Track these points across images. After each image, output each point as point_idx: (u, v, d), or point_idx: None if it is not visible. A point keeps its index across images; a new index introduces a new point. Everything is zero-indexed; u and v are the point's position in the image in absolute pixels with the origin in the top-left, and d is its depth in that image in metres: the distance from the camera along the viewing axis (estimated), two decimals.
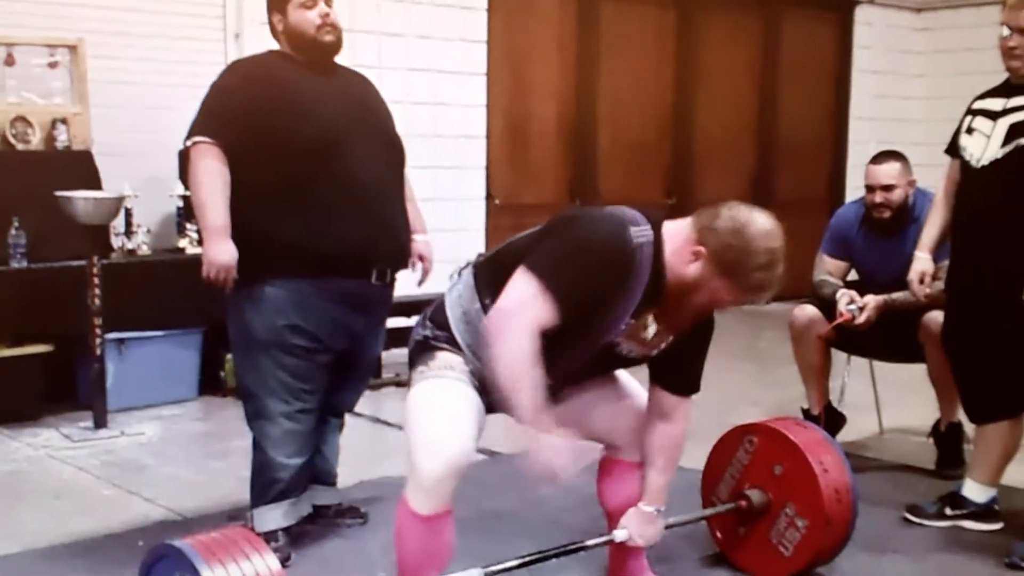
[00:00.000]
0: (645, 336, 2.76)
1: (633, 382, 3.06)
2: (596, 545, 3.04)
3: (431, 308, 2.88)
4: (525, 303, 2.53)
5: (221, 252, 3.35)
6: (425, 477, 2.65)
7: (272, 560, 2.33)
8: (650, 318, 2.73)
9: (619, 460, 3.06)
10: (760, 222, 2.61)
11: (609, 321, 2.66)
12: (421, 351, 2.83)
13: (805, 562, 3.25)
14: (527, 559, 2.91)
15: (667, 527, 3.08)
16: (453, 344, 2.77)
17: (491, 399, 2.70)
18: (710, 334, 2.90)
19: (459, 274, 2.86)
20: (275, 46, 3.59)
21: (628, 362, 2.88)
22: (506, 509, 3.93)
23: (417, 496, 2.68)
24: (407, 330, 6.54)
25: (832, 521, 3.21)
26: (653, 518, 2.98)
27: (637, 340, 2.76)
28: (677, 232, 2.65)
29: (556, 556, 2.98)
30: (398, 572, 2.83)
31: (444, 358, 2.77)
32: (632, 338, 2.75)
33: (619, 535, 2.99)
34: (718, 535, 3.47)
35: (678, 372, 2.88)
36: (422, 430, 2.68)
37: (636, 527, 2.98)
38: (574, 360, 2.74)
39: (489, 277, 2.75)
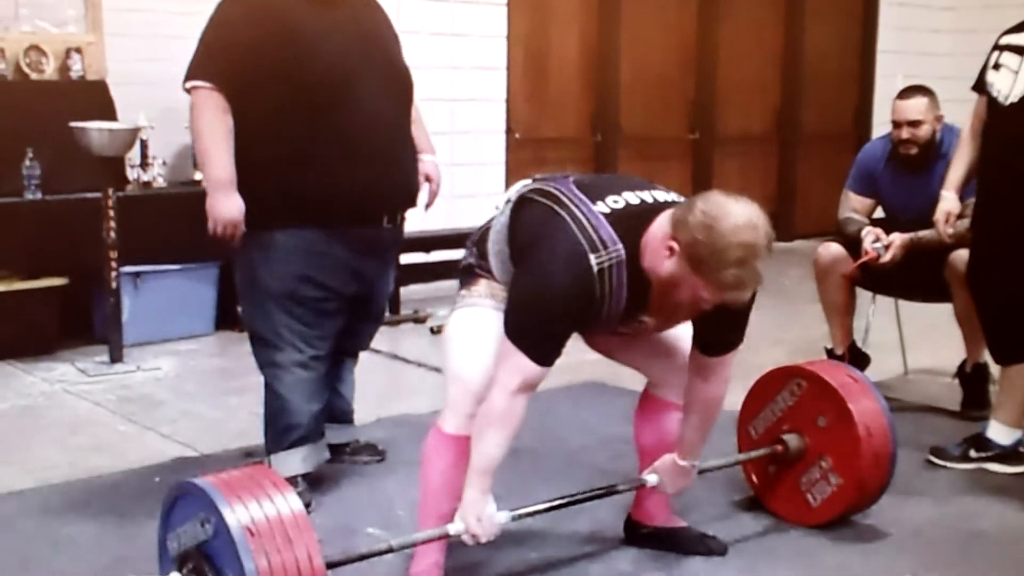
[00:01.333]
0: (649, 324, 2.74)
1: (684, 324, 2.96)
2: (627, 489, 3.02)
3: (478, 233, 2.86)
4: (505, 371, 2.57)
5: (227, 206, 3.27)
6: (453, 398, 2.75)
7: (294, 499, 2.32)
8: (645, 318, 2.70)
9: (658, 398, 3.02)
10: (735, 215, 2.42)
11: (603, 327, 2.71)
12: (466, 274, 2.85)
13: (829, 516, 3.24)
14: (556, 503, 2.90)
15: (704, 470, 3.05)
16: (492, 275, 2.78)
17: None
18: (746, 308, 2.73)
19: (505, 203, 2.78)
20: None
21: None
22: (525, 447, 3.89)
23: (447, 416, 2.77)
24: (422, 266, 6.53)
25: (866, 486, 3.19)
26: (687, 472, 2.94)
27: (645, 326, 2.75)
28: (659, 228, 2.55)
29: (585, 500, 2.96)
30: (421, 497, 2.84)
31: (484, 285, 2.79)
32: (638, 327, 2.75)
33: (651, 479, 2.96)
34: (754, 479, 3.43)
35: (718, 337, 2.77)
36: (454, 355, 2.77)
37: (668, 477, 2.95)
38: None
39: (503, 244, 2.75)
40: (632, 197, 2.62)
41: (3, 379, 4.85)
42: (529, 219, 2.65)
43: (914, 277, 4.33)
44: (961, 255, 4.01)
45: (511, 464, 3.70)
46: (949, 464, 3.78)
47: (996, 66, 3.64)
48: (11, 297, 5.04)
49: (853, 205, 4.54)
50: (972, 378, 4.39)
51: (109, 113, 5.30)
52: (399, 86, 3.49)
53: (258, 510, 2.26)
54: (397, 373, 5.05)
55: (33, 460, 3.86)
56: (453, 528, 2.64)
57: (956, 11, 9.53)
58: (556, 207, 2.59)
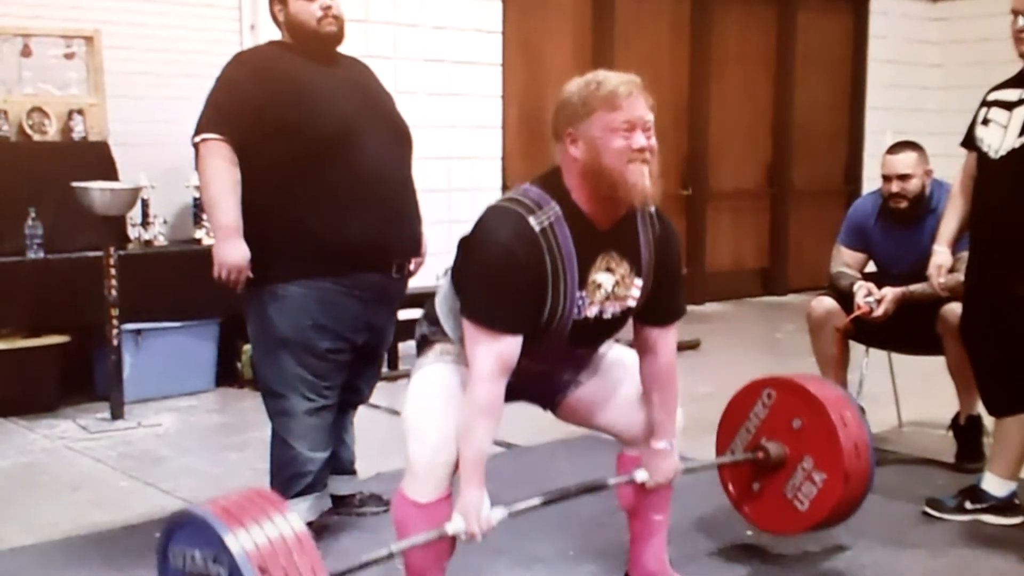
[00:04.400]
0: (606, 292, 2.72)
1: (635, 375, 3.00)
2: (617, 483, 3.00)
3: (426, 306, 2.92)
4: (476, 358, 2.59)
5: (232, 252, 3.34)
6: (416, 464, 2.71)
7: (295, 519, 2.28)
8: (599, 275, 2.69)
9: (630, 456, 3.04)
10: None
11: (564, 303, 2.66)
12: (420, 347, 2.89)
13: (821, 517, 3.21)
14: (550, 497, 2.87)
15: (685, 471, 3.05)
16: (447, 337, 2.80)
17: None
18: (676, 256, 2.87)
19: (444, 272, 2.86)
20: None
21: (615, 324, 2.82)
22: (524, 499, 3.92)
23: (413, 485, 2.73)
24: None
25: (850, 476, 3.17)
26: (666, 453, 2.95)
27: (603, 299, 2.72)
28: (562, 156, 2.67)
29: (578, 494, 2.94)
30: (405, 567, 2.84)
31: (440, 347, 2.81)
32: (598, 301, 2.72)
33: (639, 475, 2.95)
34: (730, 488, 3.43)
35: (656, 306, 2.83)
36: (412, 418, 2.75)
37: (652, 466, 2.95)
38: (558, 344, 2.74)
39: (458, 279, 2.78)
40: None
41: (5, 436, 4.87)
42: (465, 242, 2.70)
43: (907, 330, 4.37)
44: (953, 308, 4.04)
45: (509, 516, 3.74)
46: (945, 516, 3.79)
47: (985, 121, 3.69)
48: (13, 355, 5.08)
49: (845, 259, 4.60)
50: (966, 430, 4.41)
51: (111, 173, 5.36)
52: (400, 139, 3.58)
53: (260, 533, 2.21)
54: (395, 428, 4.99)
55: (35, 516, 3.87)
56: (451, 528, 2.62)
57: (944, 68, 9.65)
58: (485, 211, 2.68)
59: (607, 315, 2.75)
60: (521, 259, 2.56)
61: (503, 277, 2.57)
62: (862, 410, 4.58)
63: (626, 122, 2.57)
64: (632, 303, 2.79)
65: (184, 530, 2.32)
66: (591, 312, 2.71)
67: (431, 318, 2.86)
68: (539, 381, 2.90)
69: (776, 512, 3.32)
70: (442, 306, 2.82)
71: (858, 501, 3.29)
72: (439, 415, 2.70)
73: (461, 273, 2.70)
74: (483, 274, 2.60)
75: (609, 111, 2.57)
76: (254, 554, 2.16)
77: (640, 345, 2.90)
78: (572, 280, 2.63)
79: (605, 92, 2.58)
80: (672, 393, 2.93)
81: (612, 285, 2.72)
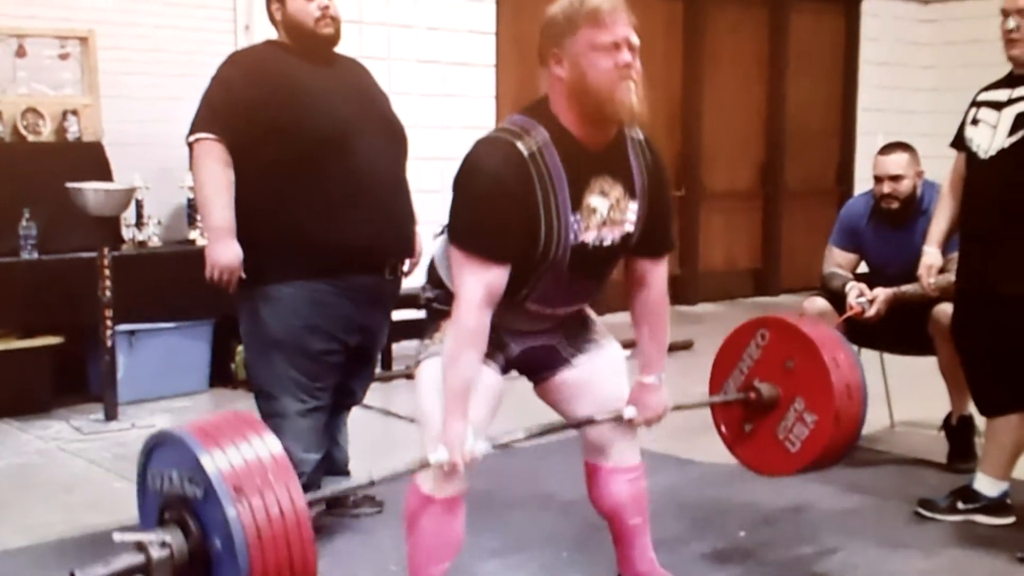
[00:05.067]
0: (602, 216, 2.69)
1: (623, 388, 2.99)
2: (604, 420, 2.92)
3: (428, 268, 2.90)
4: (463, 285, 2.58)
5: (225, 252, 3.35)
6: (433, 471, 2.66)
7: (272, 441, 2.26)
8: (593, 198, 2.66)
9: (598, 465, 3.01)
10: None
11: (559, 229, 2.63)
12: (429, 319, 2.85)
13: (811, 458, 3.18)
14: (535, 431, 2.82)
15: (674, 408, 3.01)
16: (451, 299, 2.71)
17: (505, 354, 2.76)
18: (667, 185, 2.87)
19: (442, 231, 2.82)
20: None
21: (614, 252, 2.78)
22: (517, 500, 3.93)
23: (428, 480, 2.70)
24: (414, 323, 6.58)
25: (841, 418, 3.13)
26: (655, 387, 2.93)
27: (600, 224, 2.70)
28: (546, 80, 2.67)
29: (563, 428, 2.93)
30: (408, 561, 2.83)
31: (446, 328, 2.71)
32: (595, 226, 2.69)
33: (628, 412, 2.91)
34: (723, 429, 3.40)
35: (648, 237, 2.82)
36: (429, 412, 2.70)
37: (640, 402, 2.92)
38: (559, 276, 2.70)
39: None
40: None
41: None
42: (455, 178, 2.68)
43: (899, 331, 4.39)
44: (945, 309, 4.06)
45: (503, 516, 3.76)
46: (937, 516, 3.80)
47: (975, 122, 3.71)
48: (7, 356, 5.08)
49: (837, 260, 4.62)
50: (958, 430, 4.43)
51: (105, 174, 5.36)
52: (395, 140, 3.59)
53: (237, 455, 2.19)
54: (389, 429, 5.08)
55: (28, 518, 3.87)
56: (435, 458, 2.59)
57: (935, 70, 9.69)
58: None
59: (607, 242, 2.72)
60: (510, 186, 2.55)
61: (492, 205, 2.55)
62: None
63: (611, 42, 2.57)
64: (630, 228, 2.75)
65: (163, 449, 2.31)
66: (589, 238, 2.68)
67: (434, 280, 2.83)
68: (542, 349, 2.89)
69: (768, 453, 3.27)
70: (441, 264, 2.79)
71: (849, 443, 3.22)
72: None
73: (452, 209, 2.65)
74: (473, 203, 2.58)
75: (593, 27, 2.56)
76: (229, 474, 2.15)
77: (630, 278, 2.89)
78: (564, 204, 2.61)
79: (589, 8, 2.57)
80: (662, 326, 2.93)
81: (607, 209, 2.69)
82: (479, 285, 2.56)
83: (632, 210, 2.74)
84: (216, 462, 2.17)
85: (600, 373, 2.96)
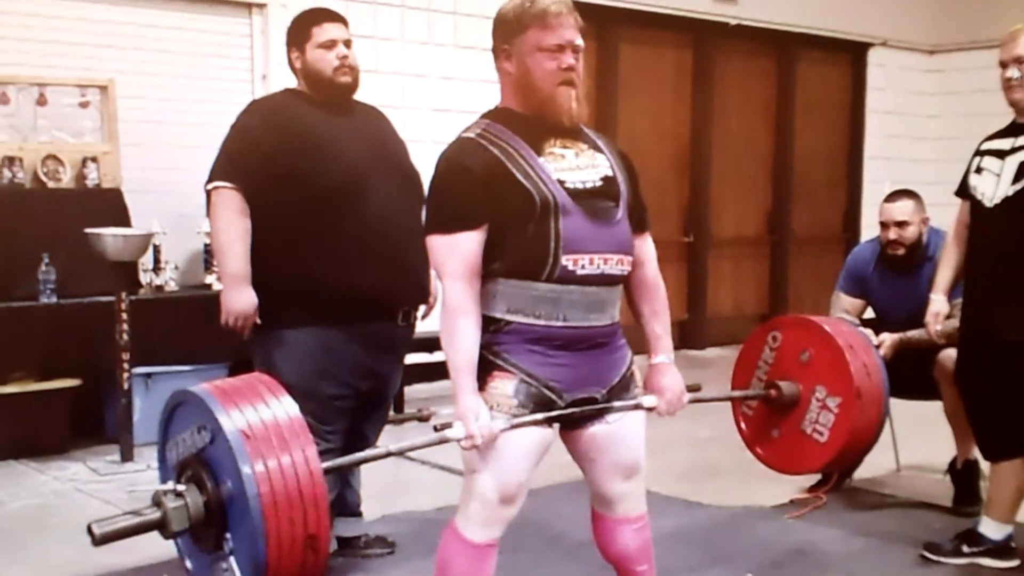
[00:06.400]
0: (570, 162, 2.69)
1: (641, 449, 2.94)
2: (623, 408, 2.81)
3: None
4: (441, 264, 2.63)
5: (240, 299, 3.41)
6: (478, 502, 2.68)
7: (290, 403, 2.28)
8: (555, 148, 2.69)
9: (603, 516, 2.99)
10: None
11: (533, 173, 2.63)
12: (480, 367, 2.73)
13: (842, 443, 3.17)
14: (550, 415, 2.71)
15: (693, 400, 3.03)
16: (504, 363, 2.67)
17: (554, 407, 2.70)
18: (636, 175, 2.88)
19: None
20: None
21: (611, 187, 2.74)
22: (524, 543, 3.96)
23: (469, 524, 2.71)
24: (426, 366, 6.60)
25: (863, 394, 3.13)
26: (666, 367, 2.91)
27: (572, 168, 2.69)
28: (501, 79, 2.76)
29: (581, 415, 2.79)
30: None
31: (494, 389, 2.66)
32: (568, 169, 2.68)
33: (647, 401, 2.87)
34: (743, 426, 3.39)
35: (630, 212, 2.81)
36: (477, 480, 2.68)
37: (657, 386, 2.90)
38: (574, 219, 2.65)
39: None
40: None
41: (16, 478, 4.91)
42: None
43: (904, 376, 4.39)
44: (950, 354, 4.09)
45: (511, 558, 3.78)
46: (943, 559, 3.82)
47: (978, 170, 3.76)
48: (25, 398, 5.13)
49: (844, 306, 4.66)
50: (963, 474, 4.46)
51: (123, 220, 5.45)
52: (410, 188, 3.62)
53: (254, 415, 2.23)
54: (401, 471, 5.10)
55: (45, 558, 3.91)
56: (452, 433, 2.58)
57: (940, 119, 9.77)
58: None
59: (589, 183, 2.69)
60: (466, 162, 2.62)
61: (450, 182, 2.63)
62: None
63: (556, 44, 2.66)
64: (608, 172, 2.73)
65: (184, 408, 2.36)
66: (567, 177, 2.67)
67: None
68: (584, 402, 2.78)
69: (799, 451, 3.27)
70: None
71: (876, 425, 3.21)
72: (507, 478, 2.68)
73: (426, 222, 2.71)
74: (434, 190, 2.67)
75: (541, 28, 2.65)
76: (246, 431, 2.20)
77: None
78: (528, 153, 2.65)
79: (537, 10, 2.66)
80: (662, 302, 2.92)
81: (574, 156, 2.71)
82: (457, 260, 2.60)
83: (603, 162, 2.76)
84: (234, 420, 2.22)
85: (627, 437, 2.89)
